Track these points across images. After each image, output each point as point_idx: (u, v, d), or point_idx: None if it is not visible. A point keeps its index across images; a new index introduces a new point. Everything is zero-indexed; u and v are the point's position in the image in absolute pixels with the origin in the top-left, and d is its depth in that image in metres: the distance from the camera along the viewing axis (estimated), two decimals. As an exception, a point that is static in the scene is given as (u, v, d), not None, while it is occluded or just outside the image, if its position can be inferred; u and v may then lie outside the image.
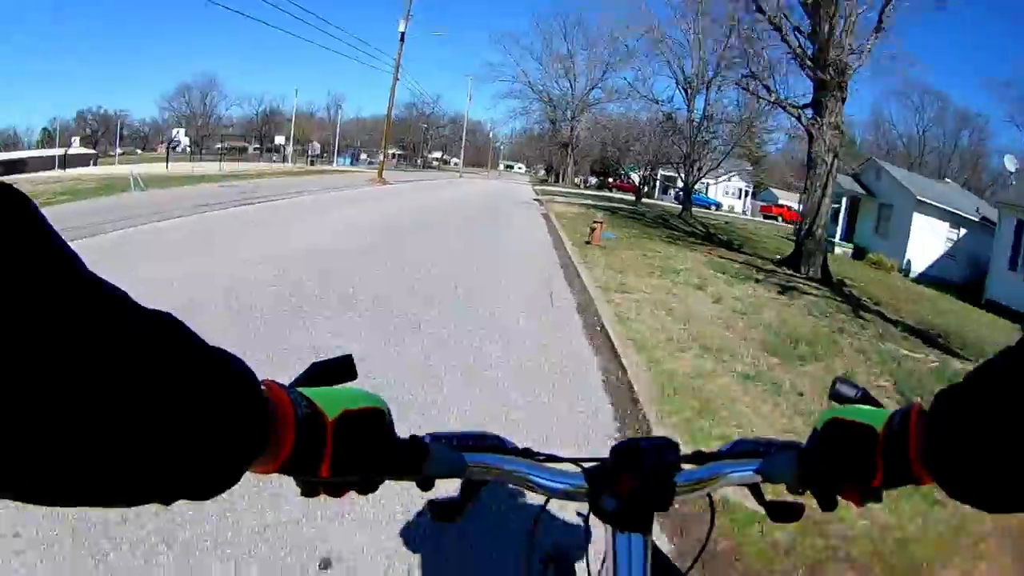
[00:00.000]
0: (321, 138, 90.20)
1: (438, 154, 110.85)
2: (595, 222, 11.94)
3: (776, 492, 0.63)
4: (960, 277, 20.12)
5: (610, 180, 61.29)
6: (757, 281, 9.85)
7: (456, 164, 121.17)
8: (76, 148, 43.79)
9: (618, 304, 6.41)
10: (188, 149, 47.65)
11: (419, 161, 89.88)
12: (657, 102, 29.11)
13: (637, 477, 0.57)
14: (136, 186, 15.38)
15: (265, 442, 0.41)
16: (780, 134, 25.76)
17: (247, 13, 24.42)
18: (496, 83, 58.82)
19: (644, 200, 31.80)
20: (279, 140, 55.56)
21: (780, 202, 50.99)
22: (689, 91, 26.22)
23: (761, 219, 47.23)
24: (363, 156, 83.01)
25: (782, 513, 0.63)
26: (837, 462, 0.54)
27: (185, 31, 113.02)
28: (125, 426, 0.30)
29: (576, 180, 54.96)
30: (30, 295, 0.27)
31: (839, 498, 0.56)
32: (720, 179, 45.65)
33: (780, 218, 48.98)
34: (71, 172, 29.82)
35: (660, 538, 2.34)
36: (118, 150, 52.76)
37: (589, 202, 26.60)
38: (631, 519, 0.59)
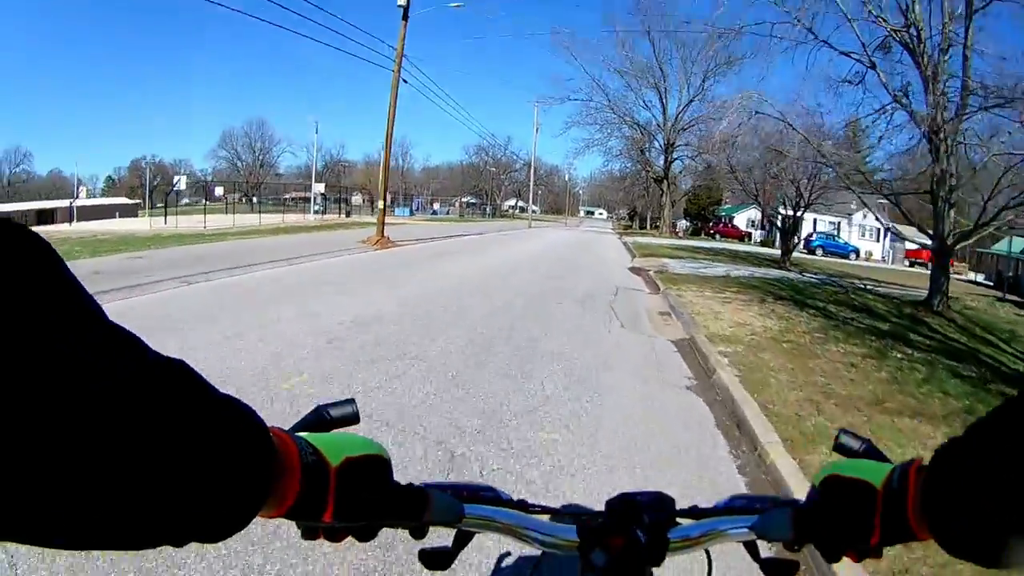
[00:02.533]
0: (392, 187, 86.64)
1: (513, 201, 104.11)
2: None
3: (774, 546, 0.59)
4: None
5: (709, 224, 50.49)
6: None
7: (533, 211, 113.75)
8: (83, 199, 39.49)
9: None
10: (218, 198, 42.48)
11: (488, 209, 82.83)
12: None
13: (628, 533, 0.58)
14: None
15: (271, 489, 0.42)
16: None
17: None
18: (566, 104, 46.17)
19: (794, 254, 21.03)
20: (318, 188, 49.28)
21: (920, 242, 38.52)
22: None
23: (906, 266, 35.48)
24: (436, 205, 78.05)
25: (777, 570, 0.62)
26: (834, 521, 0.52)
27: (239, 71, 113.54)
28: (137, 472, 0.31)
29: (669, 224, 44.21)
30: (49, 339, 0.28)
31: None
32: (851, 213, 34.09)
33: (930, 264, 36.60)
34: (66, 228, 26.89)
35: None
36: (184, 200, 49.15)
37: (719, 269, 16.44)
38: (621, 575, 0.58)
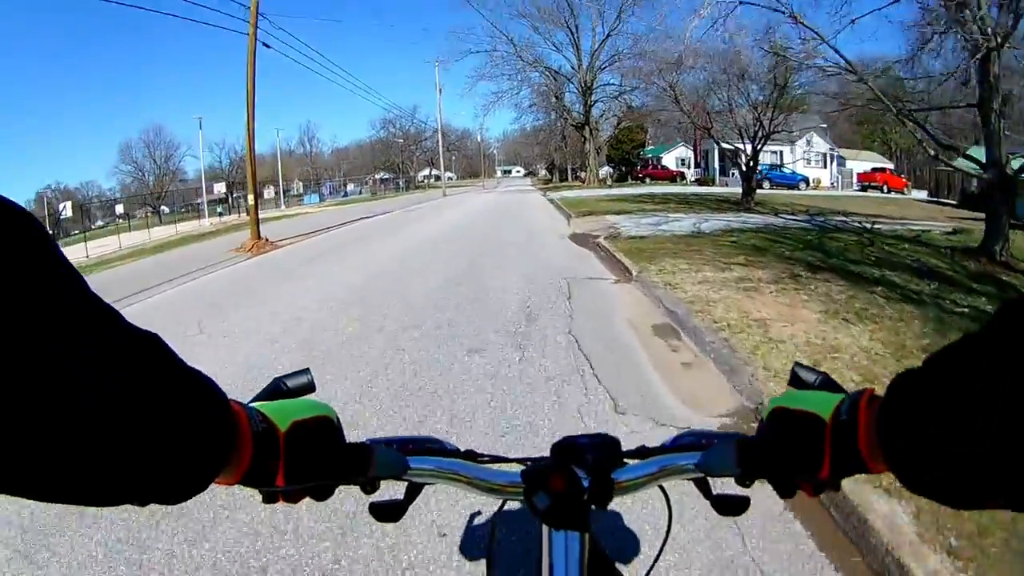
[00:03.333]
0: (303, 175, 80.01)
1: (427, 171, 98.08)
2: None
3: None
4: None
5: (636, 168, 47.21)
6: None
7: (449, 178, 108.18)
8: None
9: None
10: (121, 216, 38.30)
11: (401, 183, 77.23)
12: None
13: (569, 474, 0.57)
14: None
15: (229, 455, 0.44)
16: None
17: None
18: (470, 58, 39.78)
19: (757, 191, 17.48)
20: (219, 189, 44.37)
21: (872, 166, 36.85)
22: None
23: (858, 191, 33.82)
24: (349, 187, 71.89)
25: (727, 507, 0.62)
26: (780, 454, 0.51)
27: (134, 81, 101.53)
28: (105, 432, 0.33)
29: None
30: (35, 304, 0.30)
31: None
32: (793, 141, 31.61)
33: (885, 187, 35.29)
34: None
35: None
36: (98, 222, 45.03)
37: (684, 223, 12.71)
38: (565, 517, 0.57)
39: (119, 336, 0.35)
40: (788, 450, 0.50)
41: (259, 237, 14.07)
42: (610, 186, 36.78)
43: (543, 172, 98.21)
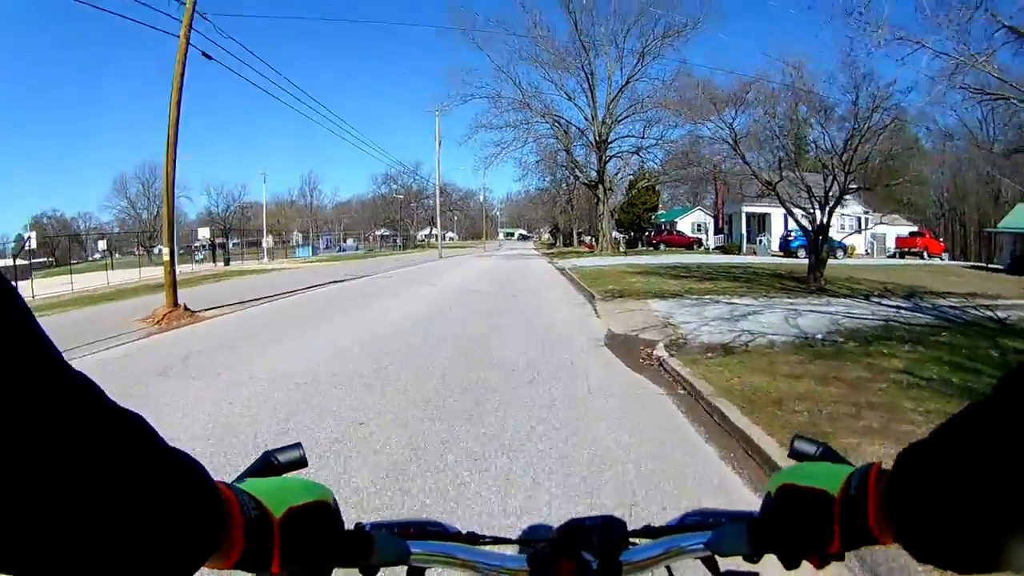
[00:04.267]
0: (303, 226, 78.20)
1: (429, 230, 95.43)
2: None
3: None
4: None
5: (647, 234, 43.84)
6: None
7: (451, 239, 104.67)
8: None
9: None
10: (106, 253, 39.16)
11: (398, 240, 74.48)
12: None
13: (577, 559, 0.56)
14: None
15: (219, 542, 0.42)
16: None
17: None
18: (471, 104, 38.38)
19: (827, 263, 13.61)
20: (203, 234, 42.68)
21: (908, 230, 33.58)
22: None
23: (893, 257, 30.66)
24: (348, 241, 69.20)
25: None
26: (791, 533, 0.51)
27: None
28: (85, 517, 0.31)
29: (594, 239, 36.23)
30: (7, 376, 0.28)
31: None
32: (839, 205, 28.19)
33: (925, 252, 32.10)
34: None
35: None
36: (97, 255, 44.70)
37: (764, 318, 8.89)
38: None
39: (101, 414, 0.33)
40: (799, 528, 0.50)
41: (175, 305, 10.85)
42: (624, 252, 33.19)
43: (546, 235, 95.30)
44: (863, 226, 27.54)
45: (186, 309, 10.80)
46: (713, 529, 0.59)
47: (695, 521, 0.63)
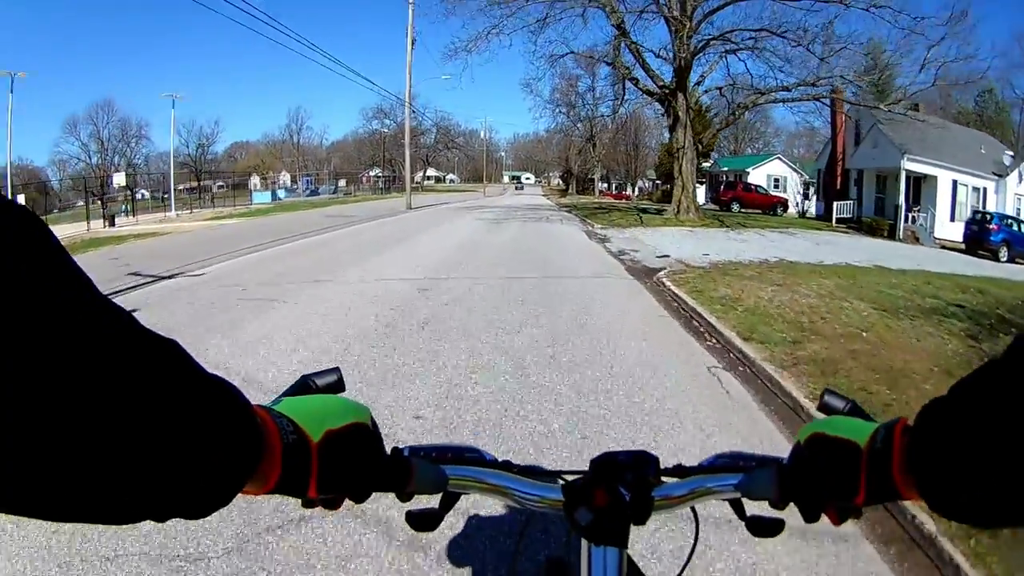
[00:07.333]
0: (290, 166, 69.07)
1: (430, 172, 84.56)
2: None
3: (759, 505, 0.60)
4: None
5: (720, 190, 33.78)
6: None
7: (452, 181, 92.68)
8: None
9: None
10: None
11: (382, 183, 64.32)
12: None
13: (612, 491, 0.57)
14: None
15: (255, 467, 0.42)
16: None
17: None
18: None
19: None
20: (117, 180, 32.80)
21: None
22: None
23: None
24: (340, 183, 59.78)
25: (762, 528, 0.63)
26: (819, 480, 0.52)
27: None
28: (123, 444, 0.30)
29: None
30: (42, 312, 0.28)
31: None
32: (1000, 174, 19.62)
33: None
34: None
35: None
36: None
37: None
38: (605, 533, 0.57)
39: (135, 340, 0.32)
40: (827, 476, 0.51)
41: None
42: (704, 219, 21.30)
43: (556, 180, 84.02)
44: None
45: None
46: (742, 472, 0.60)
47: (724, 463, 0.64)
